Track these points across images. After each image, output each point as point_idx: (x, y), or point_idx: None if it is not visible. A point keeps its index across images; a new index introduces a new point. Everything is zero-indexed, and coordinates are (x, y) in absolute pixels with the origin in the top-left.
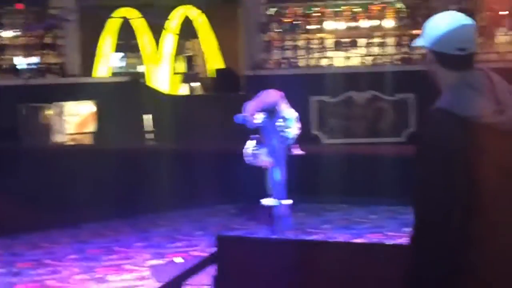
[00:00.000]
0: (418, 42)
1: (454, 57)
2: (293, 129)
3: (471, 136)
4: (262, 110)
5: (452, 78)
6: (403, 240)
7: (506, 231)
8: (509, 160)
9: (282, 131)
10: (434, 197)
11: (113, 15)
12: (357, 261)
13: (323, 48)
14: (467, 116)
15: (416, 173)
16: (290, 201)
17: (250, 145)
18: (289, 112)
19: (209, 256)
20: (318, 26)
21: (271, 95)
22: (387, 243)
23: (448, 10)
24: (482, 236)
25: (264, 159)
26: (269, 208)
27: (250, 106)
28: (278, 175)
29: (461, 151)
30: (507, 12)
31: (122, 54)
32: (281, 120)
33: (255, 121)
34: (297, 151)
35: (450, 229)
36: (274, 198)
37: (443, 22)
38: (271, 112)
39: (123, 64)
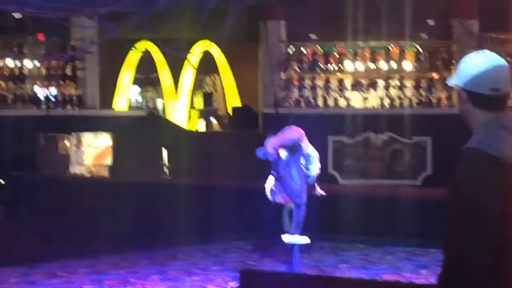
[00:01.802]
0: (452, 81)
1: (488, 97)
2: (315, 168)
3: (503, 176)
4: (284, 146)
5: (484, 118)
6: (420, 282)
7: None
8: None
9: (305, 169)
10: (466, 237)
11: (133, 48)
12: None
13: (341, 88)
14: (499, 156)
15: (449, 212)
16: (307, 239)
17: (270, 182)
18: (311, 151)
19: None
20: (338, 66)
21: (294, 132)
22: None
23: (467, 54)
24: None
25: (283, 196)
26: (288, 245)
27: (273, 140)
28: (297, 213)
29: (493, 191)
30: None
31: (141, 87)
32: (303, 158)
33: (280, 156)
34: (320, 191)
35: (481, 270)
36: (292, 235)
37: (477, 62)
38: (293, 149)
39: (142, 97)
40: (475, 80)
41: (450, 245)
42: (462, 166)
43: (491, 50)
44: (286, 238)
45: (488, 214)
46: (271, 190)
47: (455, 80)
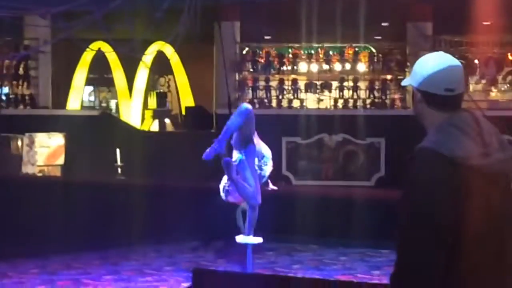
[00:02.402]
0: (406, 82)
1: (442, 97)
2: (269, 168)
3: (456, 177)
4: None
5: (439, 119)
6: (373, 282)
7: (490, 274)
8: (493, 202)
9: (259, 169)
10: (418, 238)
11: (87, 48)
12: None
13: (295, 89)
14: (453, 157)
15: (401, 213)
16: (261, 240)
17: (223, 181)
18: (265, 150)
19: None
20: (292, 67)
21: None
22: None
23: (421, 56)
24: (466, 279)
25: (236, 196)
26: (241, 245)
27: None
28: (251, 213)
29: (446, 191)
30: (477, 61)
31: (94, 87)
32: (257, 159)
33: (232, 160)
34: (272, 186)
35: (433, 271)
36: (245, 235)
37: (432, 63)
38: (244, 139)
39: (95, 97)
40: (429, 81)
41: (401, 245)
42: (414, 165)
43: (445, 52)
44: (240, 238)
45: (441, 214)
46: (225, 190)
47: (410, 80)
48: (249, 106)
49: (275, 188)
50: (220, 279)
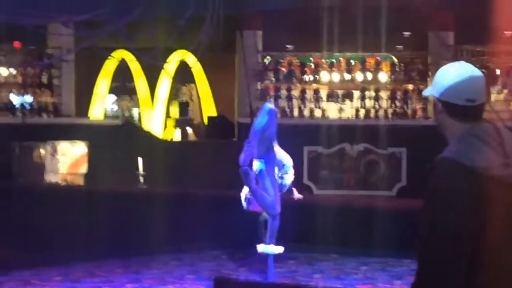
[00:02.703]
0: (427, 92)
1: (463, 108)
2: (289, 176)
3: (477, 187)
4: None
5: (460, 129)
6: None
7: (510, 284)
8: None
9: (279, 178)
10: (439, 248)
11: (110, 56)
12: None
13: (317, 99)
14: (474, 167)
15: (422, 223)
16: (282, 249)
17: (245, 190)
18: (285, 159)
19: None
20: (314, 77)
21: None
22: None
23: (443, 65)
24: None
25: (257, 204)
26: (263, 255)
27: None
28: (272, 223)
29: (467, 201)
30: (499, 71)
31: (117, 96)
32: (277, 168)
33: (253, 170)
34: (297, 195)
35: (454, 282)
36: (267, 244)
37: (453, 73)
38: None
39: (118, 106)
40: (450, 91)
41: (422, 255)
42: (435, 175)
43: (466, 62)
44: (261, 247)
45: (461, 224)
46: (246, 199)
47: (431, 90)
48: (272, 106)
49: (300, 196)
50: None
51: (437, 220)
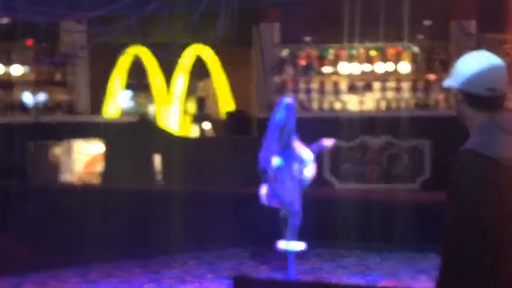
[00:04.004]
0: (447, 82)
1: (484, 98)
2: (310, 170)
3: (500, 177)
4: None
5: (481, 119)
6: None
7: None
8: None
9: (299, 173)
10: (465, 242)
11: (124, 52)
12: None
13: (337, 91)
14: (496, 158)
15: (446, 216)
16: (303, 246)
17: (264, 187)
18: (305, 154)
19: None
20: (333, 69)
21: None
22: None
23: (464, 54)
24: (510, 282)
25: (277, 200)
26: (284, 251)
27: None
28: (292, 219)
29: (490, 193)
30: None
31: (132, 93)
32: (296, 164)
33: (272, 165)
34: (328, 143)
35: (480, 275)
36: (288, 241)
37: (473, 62)
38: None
39: (133, 103)
40: (470, 80)
41: (447, 249)
42: (458, 168)
43: (489, 50)
44: (282, 244)
45: (486, 216)
46: (266, 195)
47: (451, 81)
48: (290, 100)
49: (331, 143)
50: (261, 287)
51: (462, 213)
